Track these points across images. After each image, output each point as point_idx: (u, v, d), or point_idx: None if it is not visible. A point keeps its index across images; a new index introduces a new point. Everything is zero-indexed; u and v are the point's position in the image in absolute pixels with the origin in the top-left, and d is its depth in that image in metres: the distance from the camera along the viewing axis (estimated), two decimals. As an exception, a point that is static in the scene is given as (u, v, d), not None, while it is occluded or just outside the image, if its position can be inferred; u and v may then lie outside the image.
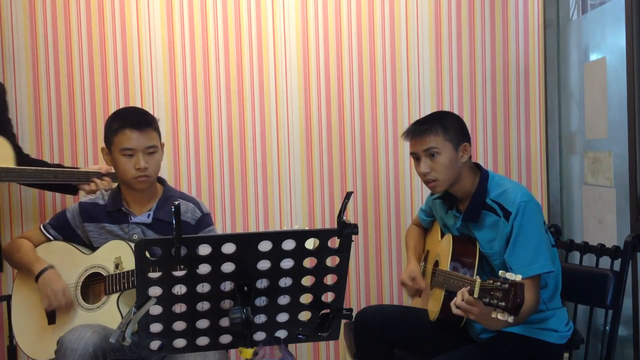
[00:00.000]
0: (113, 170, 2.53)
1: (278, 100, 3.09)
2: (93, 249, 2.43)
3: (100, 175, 2.60)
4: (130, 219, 2.41)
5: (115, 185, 2.56)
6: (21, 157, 2.66)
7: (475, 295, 1.84)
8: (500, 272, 1.81)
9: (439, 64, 3.14)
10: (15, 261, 2.49)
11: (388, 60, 3.12)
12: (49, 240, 2.49)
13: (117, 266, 2.35)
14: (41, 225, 2.52)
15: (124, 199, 2.44)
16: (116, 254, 2.36)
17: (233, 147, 3.09)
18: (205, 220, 2.46)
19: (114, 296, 2.32)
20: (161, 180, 2.51)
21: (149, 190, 2.42)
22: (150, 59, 3.04)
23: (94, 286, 2.40)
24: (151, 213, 2.41)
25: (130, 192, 2.42)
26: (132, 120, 2.36)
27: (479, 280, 1.84)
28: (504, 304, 1.75)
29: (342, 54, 3.11)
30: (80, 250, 2.44)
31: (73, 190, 2.72)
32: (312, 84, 3.10)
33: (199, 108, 3.07)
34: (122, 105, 3.00)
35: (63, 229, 2.49)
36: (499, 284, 1.77)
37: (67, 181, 2.60)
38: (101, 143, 2.46)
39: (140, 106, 2.96)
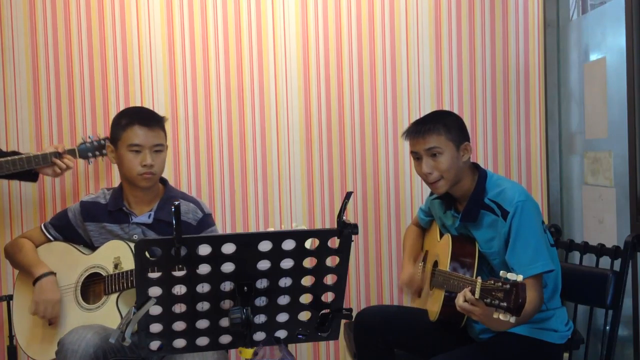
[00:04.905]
0: (68, 148, 2.56)
1: (278, 101, 3.09)
2: (93, 248, 2.44)
3: (58, 154, 2.57)
4: (131, 219, 2.41)
5: (71, 163, 2.57)
6: None
7: (477, 295, 1.83)
8: (502, 272, 1.80)
9: (439, 64, 3.14)
10: (16, 262, 2.49)
11: (388, 60, 3.12)
12: (49, 240, 2.50)
13: (116, 266, 2.35)
14: (42, 225, 2.52)
15: (126, 198, 2.44)
16: (115, 254, 2.36)
17: (233, 147, 3.09)
18: (206, 221, 2.46)
19: (114, 296, 2.32)
20: (163, 181, 2.51)
21: (151, 190, 2.42)
22: (150, 59, 3.04)
23: (94, 286, 2.40)
24: (152, 213, 2.41)
25: (133, 191, 2.42)
26: (142, 117, 2.38)
27: (480, 280, 1.84)
28: (505, 304, 1.73)
29: (342, 54, 3.11)
30: (80, 251, 2.45)
31: (34, 177, 2.67)
32: (312, 84, 3.10)
33: (199, 108, 3.07)
34: (122, 106, 2.99)
35: (64, 229, 2.49)
36: (500, 284, 1.76)
37: (26, 168, 2.54)
38: (101, 143, 2.46)
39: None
